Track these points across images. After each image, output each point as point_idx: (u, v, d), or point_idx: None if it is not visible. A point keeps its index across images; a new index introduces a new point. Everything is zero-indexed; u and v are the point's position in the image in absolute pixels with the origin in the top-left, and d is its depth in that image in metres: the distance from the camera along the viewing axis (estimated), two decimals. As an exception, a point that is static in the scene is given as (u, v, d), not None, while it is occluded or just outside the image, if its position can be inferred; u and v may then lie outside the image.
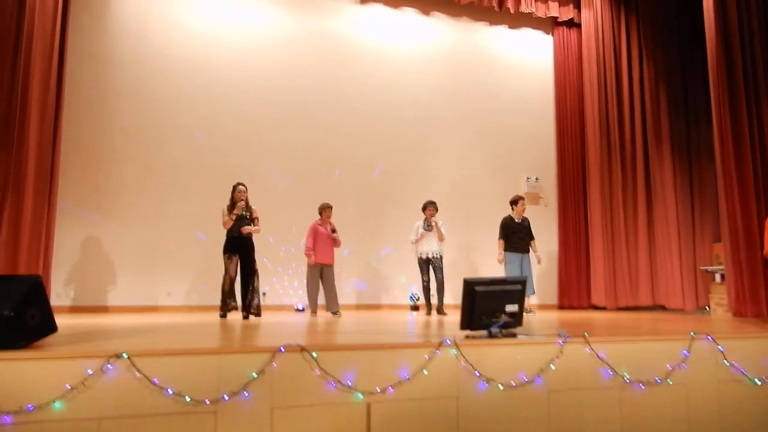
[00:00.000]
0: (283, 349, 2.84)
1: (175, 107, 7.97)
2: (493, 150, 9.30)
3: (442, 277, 7.02)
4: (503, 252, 7.23)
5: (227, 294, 5.89)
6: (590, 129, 9.24)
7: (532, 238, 7.37)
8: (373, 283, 8.48)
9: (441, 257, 7.08)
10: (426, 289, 7.06)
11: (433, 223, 7.02)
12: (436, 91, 9.16)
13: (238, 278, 6.00)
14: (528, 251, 7.27)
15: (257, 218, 6.15)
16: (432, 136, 9.07)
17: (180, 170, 7.87)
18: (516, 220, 7.31)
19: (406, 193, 8.72)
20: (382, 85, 8.90)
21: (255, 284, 5.94)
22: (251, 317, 5.85)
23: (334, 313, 6.59)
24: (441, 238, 7.07)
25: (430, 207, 7.12)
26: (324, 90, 8.60)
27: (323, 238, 6.75)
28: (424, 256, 7.05)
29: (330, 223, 6.89)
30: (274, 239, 8.08)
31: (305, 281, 6.91)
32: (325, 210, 6.86)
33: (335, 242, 6.83)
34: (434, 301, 7.13)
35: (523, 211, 7.38)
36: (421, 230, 7.10)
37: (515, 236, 7.23)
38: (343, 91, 8.70)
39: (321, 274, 6.72)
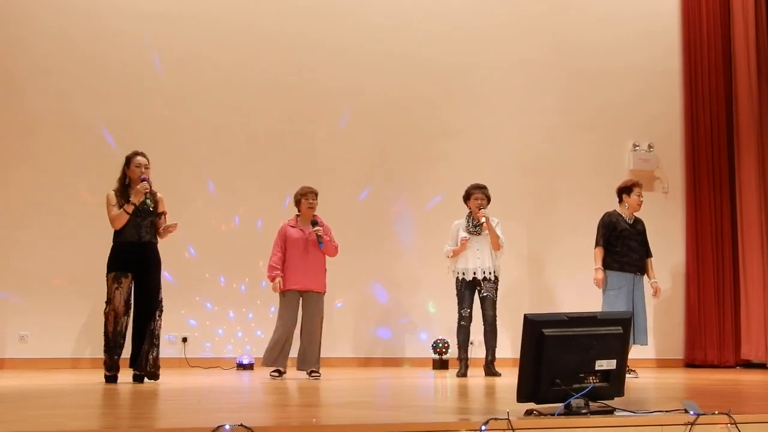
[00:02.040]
0: (226, 428, 2.78)
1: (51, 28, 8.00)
2: (578, 99, 9.25)
3: (495, 313, 7.00)
4: (602, 269, 7.19)
5: (114, 341, 5.86)
6: (741, 66, 9.13)
7: (648, 254, 7.35)
8: (371, 320, 8.53)
9: (496, 278, 7.05)
10: (463, 331, 7.06)
11: (483, 220, 6.96)
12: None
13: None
14: (644, 272, 7.27)
15: (165, 212, 6.11)
16: (474, 72, 9.03)
17: (50, 127, 8.00)
18: (627, 220, 7.29)
19: (425, 169, 8.75)
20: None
21: (156, 325, 5.97)
22: (146, 379, 5.91)
23: (311, 374, 6.62)
24: (496, 245, 7.01)
25: (476, 193, 7.11)
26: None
27: (300, 248, 6.72)
28: (467, 277, 7.04)
29: (315, 217, 6.79)
30: (199, 248, 8.21)
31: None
32: (305, 198, 6.77)
33: (326, 250, 6.75)
34: (473, 351, 7.21)
35: (640, 205, 7.31)
36: (462, 234, 7.06)
37: (625, 245, 7.20)
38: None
39: (301, 307, 6.74)
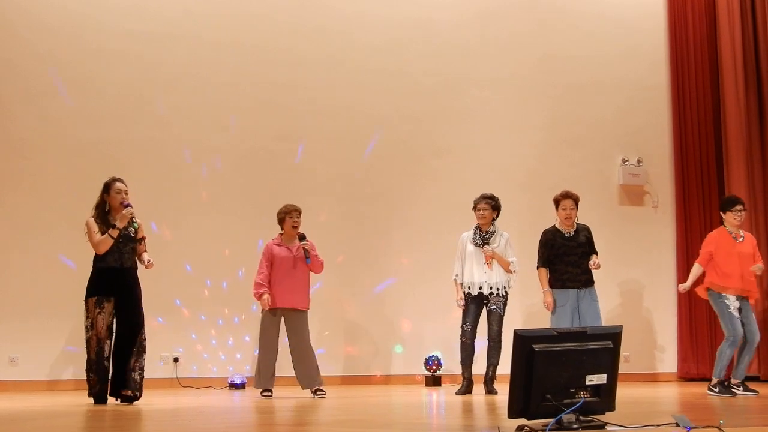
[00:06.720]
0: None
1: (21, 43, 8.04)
2: (566, 115, 9.31)
3: (501, 329, 6.89)
4: (550, 289, 7.06)
5: (98, 365, 5.84)
6: (728, 80, 9.22)
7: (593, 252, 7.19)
8: (363, 338, 8.52)
9: (505, 294, 6.98)
10: (464, 348, 6.98)
11: (488, 253, 6.89)
12: (472, 9, 9.21)
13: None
14: (589, 285, 7.10)
15: (144, 237, 6.15)
16: (462, 89, 9.10)
17: (39, 150, 8.04)
18: (565, 234, 7.16)
19: (414, 187, 8.78)
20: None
21: (141, 346, 5.96)
22: (127, 400, 5.84)
23: (317, 392, 6.62)
24: (508, 271, 6.99)
25: (479, 204, 7.10)
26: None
27: (286, 266, 6.77)
28: (473, 291, 6.97)
29: (298, 235, 6.85)
30: (191, 267, 8.22)
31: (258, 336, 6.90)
32: (289, 216, 6.82)
33: (313, 265, 6.80)
34: (475, 367, 7.09)
35: (572, 217, 7.16)
36: (468, 246, 7.04)
37: (562, 262, 7.06)
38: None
39: (285, 325, 6.78)
